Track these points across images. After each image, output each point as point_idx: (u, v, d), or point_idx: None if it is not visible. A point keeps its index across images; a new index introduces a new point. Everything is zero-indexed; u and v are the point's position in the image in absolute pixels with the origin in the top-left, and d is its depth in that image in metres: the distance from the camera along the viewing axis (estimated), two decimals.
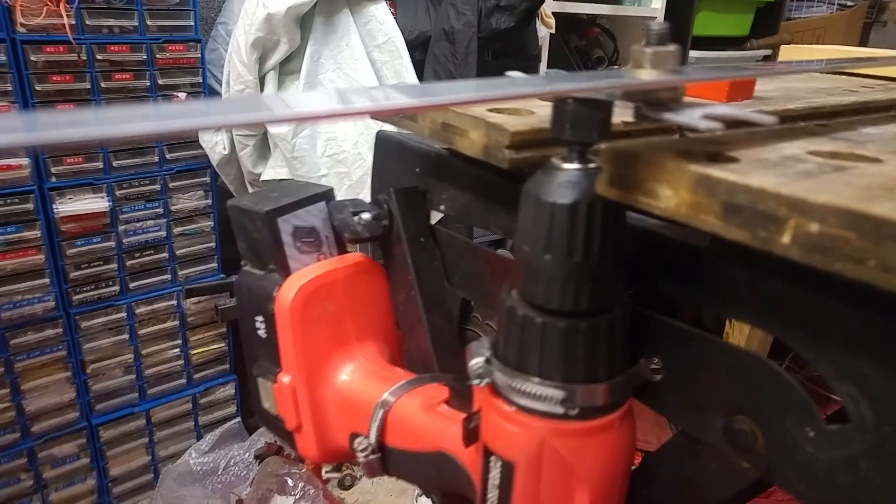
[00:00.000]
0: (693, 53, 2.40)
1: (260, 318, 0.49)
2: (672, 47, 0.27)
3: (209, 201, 1.55)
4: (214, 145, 1.50)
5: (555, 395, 0.32)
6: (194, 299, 1.56)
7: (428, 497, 1.58)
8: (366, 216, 0.50)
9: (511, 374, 0.33)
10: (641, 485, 0.36)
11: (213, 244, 1.58)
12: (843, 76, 0.61)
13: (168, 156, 1.45)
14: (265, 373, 0.50)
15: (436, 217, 0.54)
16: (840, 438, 0.26)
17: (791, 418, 0.28)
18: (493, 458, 0.34)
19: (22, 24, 1.18)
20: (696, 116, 0.25)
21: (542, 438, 0.32)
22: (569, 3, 1.99)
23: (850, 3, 3.13)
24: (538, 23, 1.75)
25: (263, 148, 1.56)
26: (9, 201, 1.25)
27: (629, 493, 0.36)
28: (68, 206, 1.31)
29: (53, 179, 1.29)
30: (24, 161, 1.23)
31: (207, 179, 1.54)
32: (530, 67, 1.83)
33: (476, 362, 0.34)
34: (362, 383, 0.48)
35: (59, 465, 1.46)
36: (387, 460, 0.46)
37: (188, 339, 1.59)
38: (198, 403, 1.66)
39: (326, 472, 0.57)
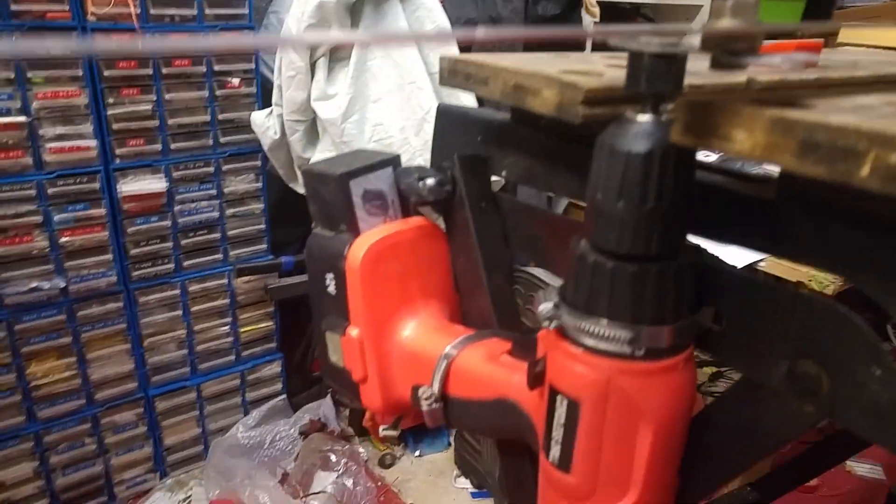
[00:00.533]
0: None
1: (330, 276, 0.52)
2: None
3: (260, 185, 1.59)
4: (266, 130, 1.54)
5: (622, 336, 0.33)
6: (244, 278, 1.61)
7: (467, 477, 1.59)
8: (430, 181, 0.52)
9: (580, 316, 0.34)
10: (702, 430, 0.37)
11: (262, 226, 1.62)
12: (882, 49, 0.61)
13: (221, 139, 1.49)
14: (334, 327, 0.53)
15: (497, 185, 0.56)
16: None
17: (857, 359, 0.29)
18: (559, 398, 0.36)
19: (92, 13, 1.23)
20: (775, 61, 0.26)
21: (608, 377, 0.34)
22: None
23: None
24: (583, 11, 1.75)
25: (313, 133, 1.59)
26: (78, 181, 1.30)
27: (690, 437, 0.37)
28: (130, 185, 1.36)
29: (118, 161, 1.34)
30: (93, 143, 1.28)
31: (258, 163, 1.58)
32: None
33: (545, 306, 0.36)
34: (426, 338, 0.50)
35: (120, 432, 1.52)
36: (449, 410, 0.48)
37: (238, 317, 1.64)
38: (245, 380, 1.70)
39: (384, 430, 0.59)
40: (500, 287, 0.52)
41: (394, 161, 0.54)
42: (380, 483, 1.65)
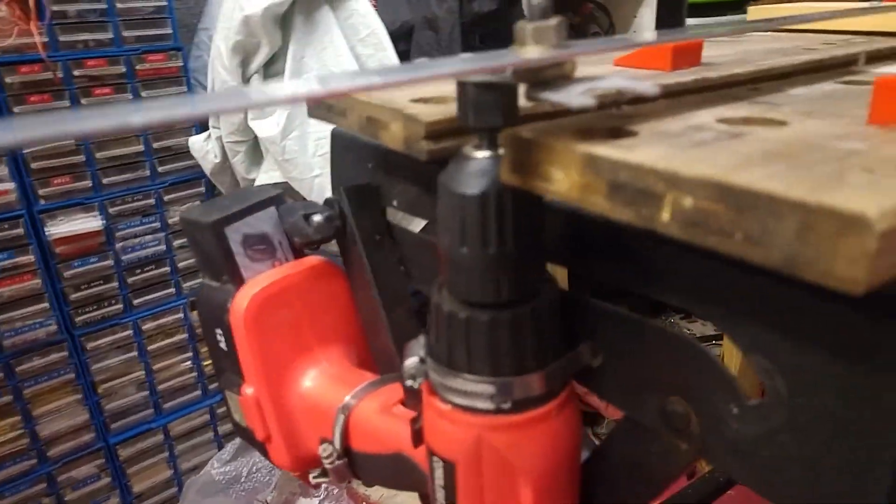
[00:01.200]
0: (690, 20, 2.35)
1: (219, 331, 0.50)
2: (554, 21, 0.27)
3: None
4: (206, 154, 1.52)
5: (486, 391, 0.31)
6: None
7: None
8: (317, 218, 0.50)
9: (443, 371, 0.33)
10: (595, 471, 0.36)
11: None
12: (810, 33, 0.60)
13: (160, 168, 1.46)
14: (231, 385, 0.51)
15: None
16: (760, 413, 0.26)
17: (718, 396, 0.28)
18: (435, 458, 0.34)
19: None
20: (573, 94, 0.25)
21: (477, 435, 0.32)
22: None
23: None
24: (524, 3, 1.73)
25: (255, 153, 1.57)
26: None
27: (585, 476, 0.36)
28: (60, 227, 1.34)
29: (42, 202, 1.32)
30: (10, 186, 1.25)
31: (203, 189, 1.55)
32: None
33: (411, 362, 0.34)
34: (326, 388, 0.49)
35: (81, 487, 1.49)
36: (354, 464, 0.46)
37: (199, 350, 1.62)
38: (215, 414, 1.68)
39: (314, 477, 0.58)
40: (401, 324, 0.50)
41: (276, 200, 0.52)
42: (364, 503, 1.64)
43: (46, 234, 1.32)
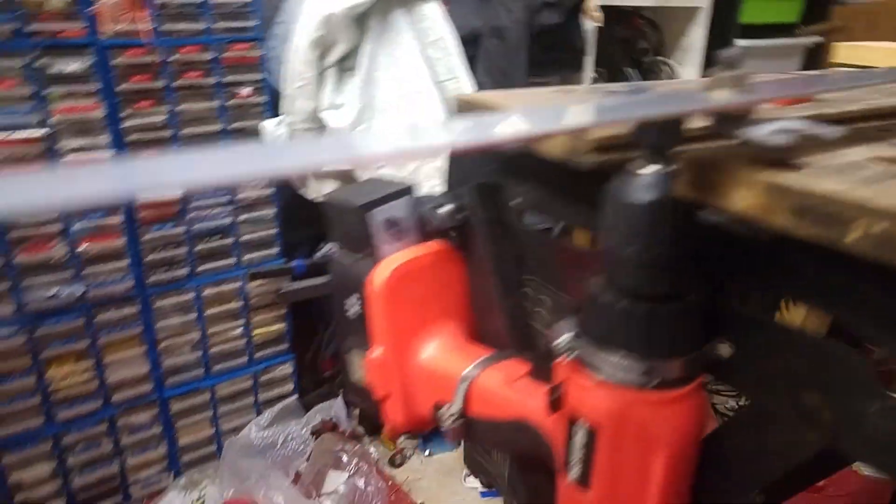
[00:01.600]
0: (741, 42, 2.36)
1: (354, 298, 0.54)
2: (743, 71, 0.31)
3: (271, 191, 1.61)
4: (276, 138, 1.57)
5: (637, 368, 0.36)
6: (257, 282, 1.64)
7: (476, 477, 1.62)
8: (446, 209, 0.55)
9: (598, 349, 0.37)
10: (713, 451, 0.40)
11: (274, 231, 1.65)
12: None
13: None
14: (357, 347, 0.56)
15: None
16: None
17: (857, 394, 0.32)
18: (578, 424, 0.39)
19: (105, 31, 1.26)
20: (766, 132, 0.29)
21: (624, 406, 0.36)
22: None
23: None
24: (584, 17, 1.77)
25: None
26: None
27: (703, 457, 0.40)
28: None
29: None
30: (109, 154, 1.31)
31: None
32: (576, 60, 1.86)
33: (564, 338, 0.39)
34: (446, 357, 0.53)
35: (136, 433, 1.55)
36: (469, 427, 0.51)
37: (250, 319, 1.67)
38: (258, 381, 1.73)
39: (404, 438, 0.63)
40: (514, 308, 0.54)
41: (409, 190, 0.57)
42: (390, 482, 1.69)
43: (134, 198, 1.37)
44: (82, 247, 1.34)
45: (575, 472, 0.39)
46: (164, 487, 1.62)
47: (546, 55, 1.64)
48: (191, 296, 1.55)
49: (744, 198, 0.30)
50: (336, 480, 1.55)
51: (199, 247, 1.52)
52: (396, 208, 0.56)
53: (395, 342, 0.53)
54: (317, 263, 1.68)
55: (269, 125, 1.57)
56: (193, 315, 1.57)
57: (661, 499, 0.38)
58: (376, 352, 0.53)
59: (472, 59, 1.54)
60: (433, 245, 0.56)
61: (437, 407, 0.52)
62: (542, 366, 0.44)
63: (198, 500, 1.60)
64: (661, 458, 0.37)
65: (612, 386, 0.37)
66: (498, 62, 1.50)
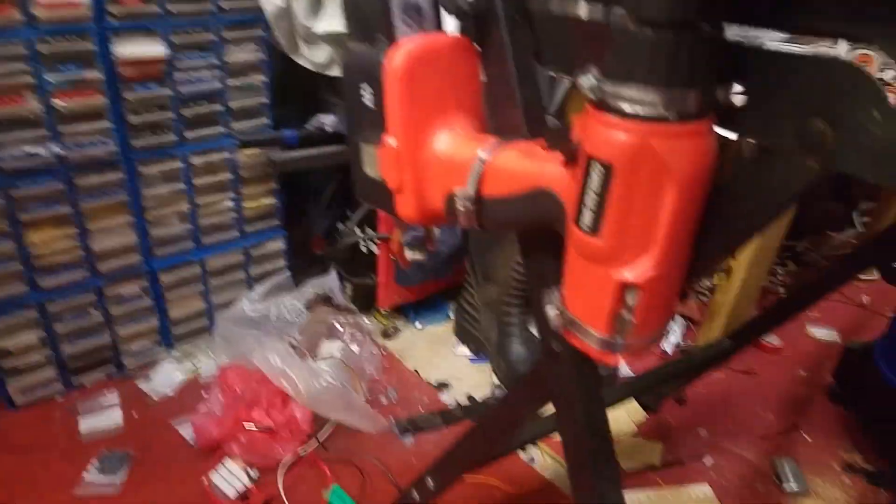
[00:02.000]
0: None
1: (367, 86, 0.56)
2: None
3: (262, 56, 1.60)
4: None
5: (655, 99, 0.38)
6: (247, 152, 1.64)
7: (465, 345, 1.70)
8: None
9: (618, 84, 0.39)
10: (718, 196, 0.43)
11: (265, 99, 1.64)
12: None
13: (223, 5, 1.48)
14: (370, 138, 0.58)
15: None
16: None
17: (859, 104, 0.35)
18: (594, 164, 0.41)
19: None
20: None
21: (642, 139, 0.39)
22: None
23: None
24: None
25: (318, 1, 1.59)
26: (69, 39, 1.30)
27: (709, 203, 0.43)
28: (127, 48, 1.37)
29: (111, 20, 1.34)
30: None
31: (261, 33, 1.57)
32: None
33: (587, 78, 0.41)
34: (460, 145, 0.55)
35: (125, 303, 1.59)
36: (482, 210, 0.54)
37: (241, 192, 1.69)
38: (250, 255, 1.77)
39: (410, 253, 0.66)
40: (530, 99, 0.56)
41: None
42: (385, 351, 1.76)
43: (113, 53, 1.36)
44: (57, 102, 1.32)
45: (587, 219, 0.42)
46: (157, 360, 1.68)
47: None
48: (178, 164, 1.56)
49: None
50: (331, 347, 1.62)
51: (186, 112, 1.52)
52: None
53: (409, 131, 0.55)
54: (309, 134, 1.69)
55: None
56: (181, 184, 1.58)
57: (668, 237, 0.41)
58: (391, 141, 0.56)
59: None
60: (450, 34, 0.57)
61: (450, 195, 0.55)
62: (557, 131, 0.46)
63: (192, 370, 1.67)
64: (673, 193, 0.40)
65: (630, 121, 0.39)
66: None
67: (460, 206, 0.54)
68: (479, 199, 0.53)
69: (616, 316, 0.45)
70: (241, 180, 1.68)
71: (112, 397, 1.57)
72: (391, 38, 0.55)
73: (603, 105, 0.40)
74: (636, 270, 0.43)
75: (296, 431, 1.40)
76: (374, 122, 0.57)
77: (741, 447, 1.49)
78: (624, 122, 0.39)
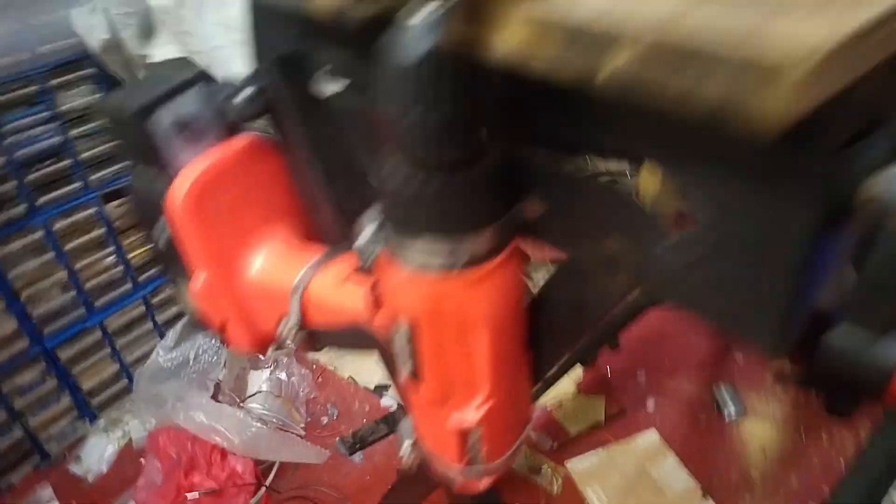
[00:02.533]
0: None
1: (162, 220, 0.50)
2: None
3: (103, 94, 1.47)
4: (92, 30, 1.39)
5: (441, 250, 0.34)
6: (115, 202, 1.53)
7: None
8: (246, 93, 0.49)
9: (401, 237, 0.35)
10: (539, 314, 0.40)
11: None
12: None
13: (40, 49, 1.34)
14: (181, 273, 0.52)
15: None
16: (687, 245, 0.30)
17: (647, 233, 0.31)
18: (397, 319, 0.37)
19: None
20: None
21: (437, 293, 0.35)
22: None
23: None
24: None
25: (147, 26, 1.46)
26: None
27: (532, 316, 0.39)
28: None
29: None
30: None
31: (94, 70, 1.44)
32: None
33: (368, 231, 0.36)
34: (278, 267, 0.50)
35: (27, 393, 1.49)
36: (314, 335, 0.49)
37: (121, 243, 1.58)
38: (150, 304, 1.68)
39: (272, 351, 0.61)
40: (343, 194, 0.51)
41: (199, 78, 0.50)
42: (314, 366, 1.72)
43: None
44: None
45: (407, 367, 0.39)
46: (83, 437, 1.60)
47: None
48: (39, 234, 1.43)
49: (510, 36, 0.26)
50: (258, 380, 1.57)
51: (31, 176, 1.39)
52: (186, 104, 0.49)
53: (215, 262, 0.49)
54: None
55: (79, 15, 1.39)
56: (50, 254, 1.46)
57: (494, 375, 0.38)
58: (199, 277, 0.50)
59: None
60: (241, 140, 0.51)
61: (280, 321, 0.50)
62: (366, 254, 0.41)
63: (122, 436, 1.60)
64: (483, 335, 0.36)
65: (420, 275, 0.35)
66: None
67: (289, 337, 0.49)
68: (306, 328, 0.49)
69: (466, 450, 0.42)
70: (117, 232, 1.57)
71: (45, 492, 1.49)
72: (172, 167, 0.48)
73: (394, 256, 0.36)
74: (471, 411, 0.39)
75: (241, 485, 1.36)
76: (179, 257, 0.51)
77: (680, 381, 1.53)
78: (415, 275, 0.35)
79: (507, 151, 0.35)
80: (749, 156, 0.26)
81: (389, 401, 1.61)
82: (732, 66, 0.20)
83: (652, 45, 0.22)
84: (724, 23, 0.21)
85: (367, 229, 0.36)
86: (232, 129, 0.52)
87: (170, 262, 0.52)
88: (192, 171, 0.47)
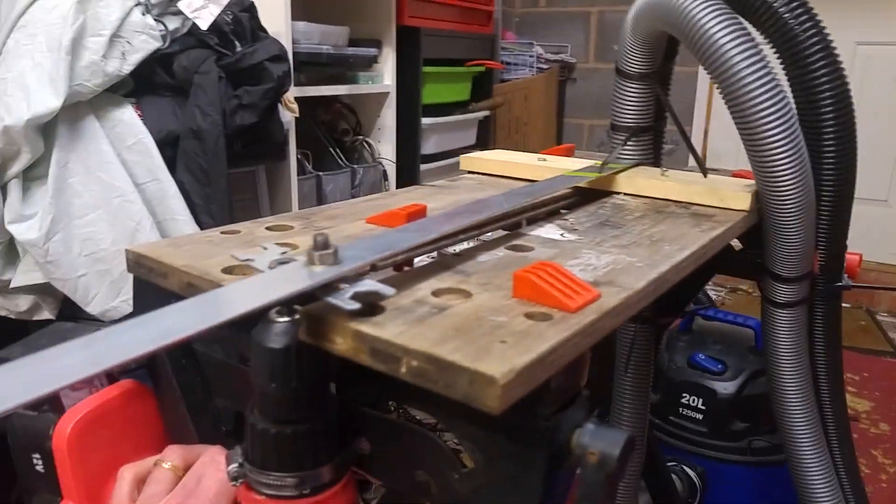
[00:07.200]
0: (425, 120, 2.71)
1: (37, 455, 0.53)
2: (331, 249, 0.41)
3: None
4: None
5: (291, 482, 0.43)
6: None
7: None
8: None
9: (258, 472, 0.43)
10: None
11: None
12: (505, 179, 0.83)
13: None
14: (48, 502, 0.54)
15: None
16: (471, 476, 0.41)
17: (446, 468, 0.43)
18: None
19: None
20: (345, 298, 0.39)
21: None
22: (309, 87, 2.15)
23: (545, 67, 3.74)
24: (282, 109, 1.87)
25: (11, 252, 1.47)
26: None
27: None
28: None
29: None
30: None
31: None
32: (278, 149, 1.95)
33: (232, 467, 0.44)
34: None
35: None
36: None
37: None
38: None
39: None
40: (208, 434, 0.58)
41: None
42: None
43: None
44: None
45: None
46: None
47: (248, 148, 1.70)
48: None
49: (340, 343, 0.39)
50: None
51: None
52: None
53: (87, 494, 0.53)
54: None
55: None
56: None
57: None
58: None
59: (172, 160, 1.53)
60: (121, 385, 0.57)
61: None
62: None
63: None
64: None
65: (274, 501, 0.43)
66: (198, 161, 1.52)
67: None
68: None
69: None
70: None
71: None
72: (58, 409, 0.53)
73: (253, 485, 0.44)
74: None
75: None
76: (49, 489, 0.53)
77: None
78: (271, 502, 0.43)
79: (345, 405, 0.46)
80: (499, 419, 0.39)
81: None
82: (469, 375, 0.34)
83: (426, 358, 0.35)
84: (465, 350, 0.35)
85: (233, 464, 0.44)
86: (113, 377, 0.58)
87: (37, 492, 0.54)
88: (76, 412, 0.53)
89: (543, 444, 0.39)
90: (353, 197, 2.46)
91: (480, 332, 0.38)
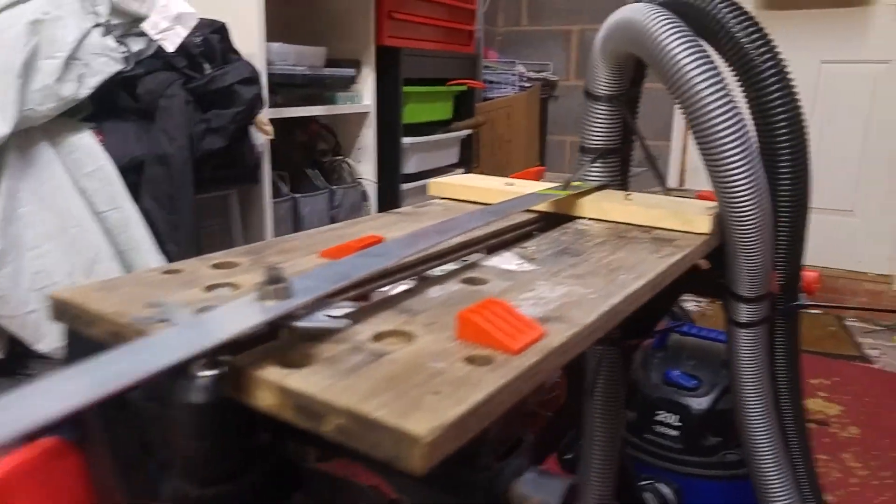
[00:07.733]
0: (406, 139, 2.68)
1: None
2: (283, 284, 0.38)
3: None
4: None
5: None
6: None
7: None
8: None
9: None
10: None
11: None
12: (472, 204, 0.81)
13: None
14: None
15: None
16: None
17: None
18: None
19: None
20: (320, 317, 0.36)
21: None
22: (285, 108, 2.12)
23: (527, 85, 3.75)
24: (255, 132, 1.83)
25: None
26: None
27: None
28: None
29: None
30: None
31: None
32: (251, 173, 1.91)
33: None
34: None
35: None
36: None
37: None
38: None
39: None
40: (139, 491, 0.54)
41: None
42: None
43: None
44: None
45: None
46: None
47: (219, 173, 1.66)
48: None
49: (265, 398, 0.36)
50: None
51: None
52: None
53: None
54: None
55: None
56: None
57: None
58: None
59: (136, 186, 1.49)
60: (41, 444, 0.53)
61: None
62: None
63: None
64: None
65: None
66: (164, 188, 1.48)
67: None
68: None
69: None
70: None
71: None
72: None
73: None
74: None
75: None
76: None
77: None
78: None
79: (279, 459, 0.42)
80: (436, 471, 0.36)
81: None
82: (394, 434, 0.30)
83: (349, 416, 0.32)
84: (393, 405, 0.32)
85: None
86: (33, 434, 0.54)
87: None
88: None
89: (481, 497, 0.36)
90: (333, 219, 2.43)
91: (415, 381, 0.35)
